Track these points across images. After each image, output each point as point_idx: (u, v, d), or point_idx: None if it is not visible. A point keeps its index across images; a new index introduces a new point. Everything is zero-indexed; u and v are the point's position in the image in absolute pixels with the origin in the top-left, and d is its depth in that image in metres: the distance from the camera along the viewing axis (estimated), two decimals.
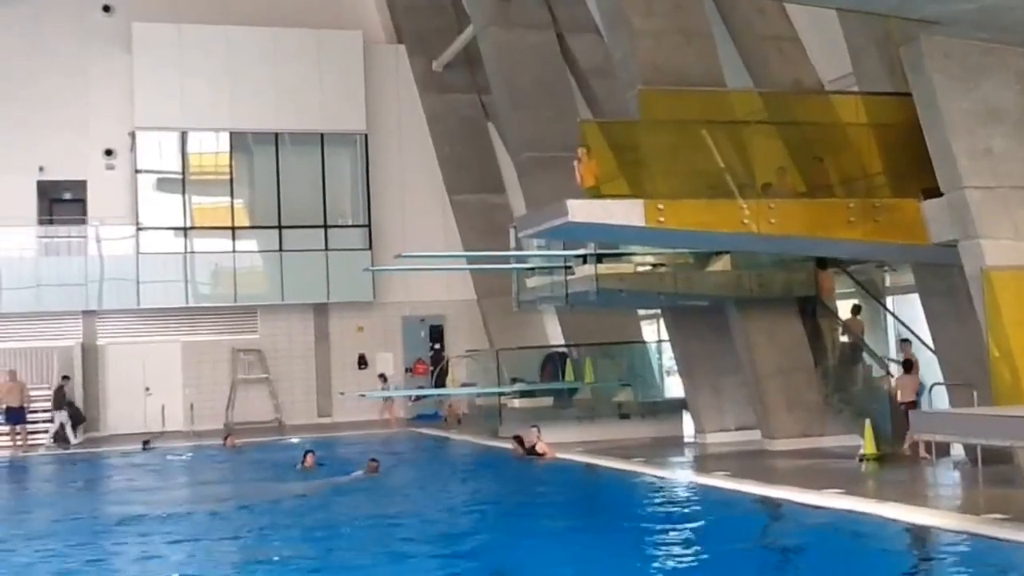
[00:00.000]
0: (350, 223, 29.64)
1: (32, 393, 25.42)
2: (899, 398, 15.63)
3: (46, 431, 25.55)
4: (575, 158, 14.58)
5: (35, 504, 16.95)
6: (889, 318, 19.58)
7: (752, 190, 14.14)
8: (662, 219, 13.40)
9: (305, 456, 18.23)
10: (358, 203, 29.73)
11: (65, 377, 26.14)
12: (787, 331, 17.65)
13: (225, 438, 23.48)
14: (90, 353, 27.65)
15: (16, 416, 24.94)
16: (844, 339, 17.78)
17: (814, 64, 18.24)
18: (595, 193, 14.19)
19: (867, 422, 15.22)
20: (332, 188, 29.43)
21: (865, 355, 17.69)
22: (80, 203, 28.36)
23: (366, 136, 29.53)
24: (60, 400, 25.63)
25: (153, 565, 10.89)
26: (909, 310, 18.15)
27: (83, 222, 27.95)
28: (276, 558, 10.62)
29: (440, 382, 27.58)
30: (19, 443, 24.83)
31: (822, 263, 17.38)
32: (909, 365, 15.99)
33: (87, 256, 27.58)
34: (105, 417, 27.63)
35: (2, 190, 26.99)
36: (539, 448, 18.05)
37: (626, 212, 13.54)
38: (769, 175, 14.76)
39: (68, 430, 25.38)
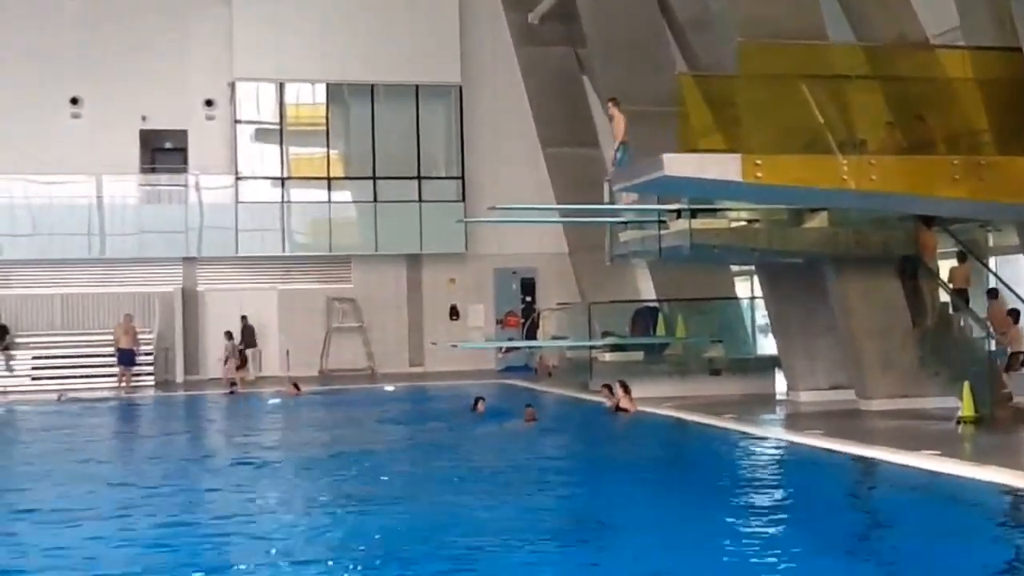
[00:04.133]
0: (443, 175, 29.83)
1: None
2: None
3: (150, 373, 26.62)
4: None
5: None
6: (991, 278, 19.15)
7: (852, 146, 13.89)
8: (759, 174, 13.21)
9: (476, 402, 18.96)
10: (452, 155, 29.89)
11: (244, 316, 27.66)
12: (885, 291, 17.34)
13: (294, 384, 24.19)
14: (190, 298, 28.40)
15: (128, 357, 25.93)
16: (944, 299, 17.42)
17: (919, 17, 17.75)
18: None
19: (965, 384, 14.96)
20: (426, 140, 29.64)
21: (964, 316, 17.32)
22: (181, 152, 29.01)
23: (460, 88, 29.62)
24: (251, 338, 27.39)
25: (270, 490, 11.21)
26: (1012, 271, 17.73)
27: (184, 171, 28.64)
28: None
29: (531, 335, 27.73)
30: (123, 384, 25.70)
31: (925, 221, 17.02)
32: (1017, 314, 15.64)
33: (187, 204, 28.30)
34: (205, 361, 28.38)
35: (107, 139, 27.74)
36: (623, 403, 18.11)
37: (723, 167, 13.39)
38: (870, 131, 14.47)
39: (250, 365, 27.17)
